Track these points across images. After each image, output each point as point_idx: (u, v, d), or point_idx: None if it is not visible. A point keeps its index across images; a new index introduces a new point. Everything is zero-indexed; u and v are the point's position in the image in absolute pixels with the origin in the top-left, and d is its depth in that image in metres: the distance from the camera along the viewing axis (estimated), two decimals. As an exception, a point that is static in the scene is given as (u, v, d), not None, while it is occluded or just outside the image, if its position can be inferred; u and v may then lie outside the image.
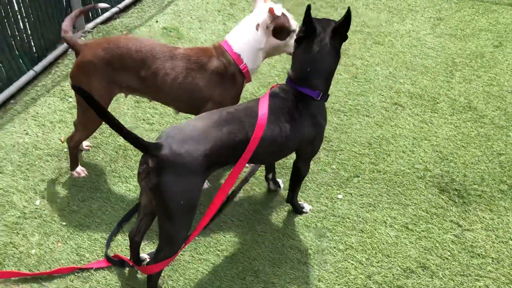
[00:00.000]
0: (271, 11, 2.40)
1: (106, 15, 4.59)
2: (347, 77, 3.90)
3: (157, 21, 4.66)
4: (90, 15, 4.45)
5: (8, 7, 3.40)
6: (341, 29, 2.14)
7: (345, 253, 2.48)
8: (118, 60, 2.46)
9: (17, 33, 3.55)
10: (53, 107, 3.41)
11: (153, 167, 1.89)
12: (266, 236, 2.56)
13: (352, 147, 3.17)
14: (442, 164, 3.06)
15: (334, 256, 2.47)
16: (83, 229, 2.55)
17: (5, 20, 3.39)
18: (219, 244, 2.51)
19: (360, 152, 3.13)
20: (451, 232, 2.61)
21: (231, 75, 2.49)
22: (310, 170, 2.92)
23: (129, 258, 2.31)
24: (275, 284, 2.32)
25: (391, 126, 3.37)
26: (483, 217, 2.70)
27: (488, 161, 3.09)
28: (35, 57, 3.77)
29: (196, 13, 4.84)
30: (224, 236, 2.55)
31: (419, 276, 2.37)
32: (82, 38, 4.26)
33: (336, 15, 4.78)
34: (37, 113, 3.36)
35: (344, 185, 2.88)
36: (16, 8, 3.50)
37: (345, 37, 2.19)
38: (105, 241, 2.46)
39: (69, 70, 3.59)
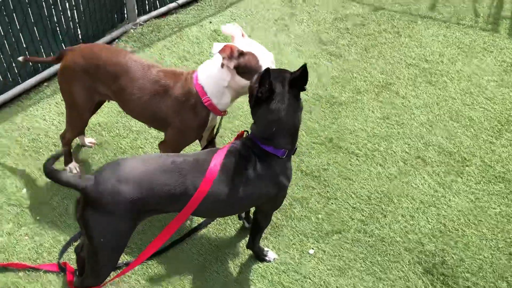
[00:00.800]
0: (224, 50, 2.21)
1: (163, 9, 4.69)
2: (379, 116, 3.62)
3: (210, 22, 4.67)
4: (147, 7, 4.56)
5: (57, -5, 3.59)
6: (297, 82, 2.01)
7: (289, 316, 2.34)
8: (94, 70, 2.53)
9: (63, 20, 3.74)
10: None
11: (79, 199, 1.90)
12: (217, 277, 2.49)
13: (348, 197, 2.96)
14: (441, 239, 2.74)
15: (276, 317, 2.34)
16: (52, 228, 2.66)
17: (53, 7, 3.59)
18: (167, 273, 2.49)
19: (355, 205, 2.91)
20: (416, 323, 2.35)
21: (191, 105, 2.41)
22: (293, 214, 2.80)
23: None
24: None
25: (402, 182, 3.08)
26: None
27: (496, 248, 2.71)
28: (79, 44, 3.96)
29: (252, 19, 4.77)
30: (174, 266, 2.52)
31: None
32: (132, 30, 4.39)
33: (398, 43, 4.46)
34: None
35: (321, 240, 2.70)
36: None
37: (303, 88, 2.05)
38: (63, 246, 2.55)
39: None
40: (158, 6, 4.67)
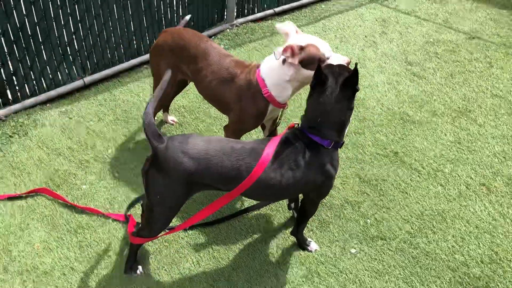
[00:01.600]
0: (286, 50, 2.40)
1: (259, 14, 5.01)
2: (450, 140, 3.60)
3: (302, 31, 4.89)
4: (246, 11, 4.92)
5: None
6: (351, 80, 2.13)
7: (318, 303, 2.46)
8: (180, 50, 2.87)
9: (169, 12, 4.19)
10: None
11: (149, 156, 2.20)
12: (259, 255, 2.67)
13: (401, 209, 3.00)
14: (489, 266, 2.69)
15: (306, 301, 2.47)
16: (126, 186, 3.02)
17: (161, 0, 4.06)
18: (215, 243, 2.72)
19: (406, 218, 2.95)
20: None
21: (252, 94, 2.63)
22: (343, 214, 2.92)
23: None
24: (234, 298, 2.46)
25: (460, 205, 3.06)
26: None
27: (548, 286, 2.61)
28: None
29: (343, 32, 4.94)
30: (222, 238, 2.75)
31: None
32: (228, 30, 4.76)
33: (487, 73, 4.38)
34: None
35: (365, 243, 2.78)
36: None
37: (356, 89, 2.17)
38: (131, 201, 2.89)
39: None
40: (256, 11, 5.00)
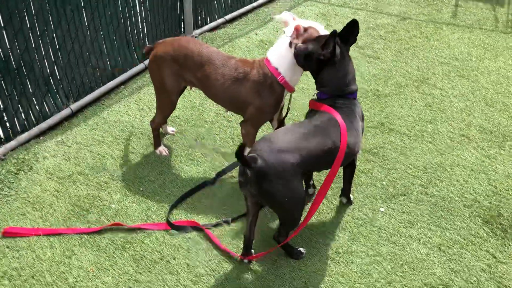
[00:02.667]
0: (297, 29, 2.68)
1: (213, 24, 5.20)
2: (422, 105, 4.04)
3: (256, 34, 5.17)
4: (200, 22, 5.08)
5: (132, 10, 4.10)
6: (346, 36, 2.53)
7: (373, 258, 2.70)
8: (183, 59, 2.98)
9: (135, 31, 4.24)
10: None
11: (252, 177, 2.31)
12: (303, 231, 2.85)
13: (407, 168, 3.34)
14: (494, 198, 3.11)
15: (362, 259, 2.69)
16: (154, 196, 3.06)
17: (128, 21, 4.10)
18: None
19: (414, 174, 3.29)
20: (483, 261, 2.69)
21: (269, 84, 2.84)
22: (360, 182, 3.20)
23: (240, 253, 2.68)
24: (301, 269, 2.61)
25: (452, 155, 3.47)
26: (522, 254, 2.73)
27: (544, 203, 3.08)
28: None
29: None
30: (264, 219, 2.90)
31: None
32: (189, 41, 4.89)
33: (428, 46, 4.93)
34: (140, 98, 4.00)
35: (389, 201, 3.08)
36: (138, 11, 4.19)
37: (354, 40, 2.59)
38: (168, 208, 2.94)
39: None
40: (209, 21, 5.18)
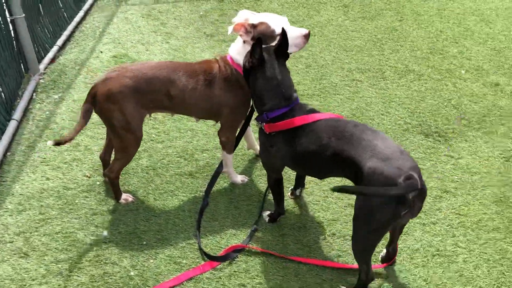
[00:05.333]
0: (236, 29, 2.61)
1: (50, 55, 4.51)
2: (303, 67, 4.45)
3: (101, 52, 4.71)
4: (40, 56, 4.35)
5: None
6: (281, 48, 2.49)
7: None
8: (145, 85, 2.66)
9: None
10: (56, 150, 3.36)
11: (418, 198, 2.06)
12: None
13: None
14: (415, 116, 3.77)
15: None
16: (164, 242, 2.71)
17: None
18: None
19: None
20: (449, 162, 3.31)
21: (235, 81, 2.77)
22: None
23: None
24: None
25: (360, 97, 4.00)
26: (463, 147, 3.46)
27: (444, 106, 3.89)
28: (8, 107, 3.65)
29: (133, 37, 4.98)
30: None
31: (445, 197, 3.01)
32: (41, 80, 4.18)
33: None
34: (44, 158, 3.31)
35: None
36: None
37: (287, 55, 2.54)
38: (194, 245, 2.67)
39: (47, 113, 3.64)
40: (43, 55, 4.47)
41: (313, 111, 2.47)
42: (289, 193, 3.02)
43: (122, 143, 2.78)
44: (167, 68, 2.73)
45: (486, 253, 2.67)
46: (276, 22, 2.70)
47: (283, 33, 2.47)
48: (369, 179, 2.05)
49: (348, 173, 2.28)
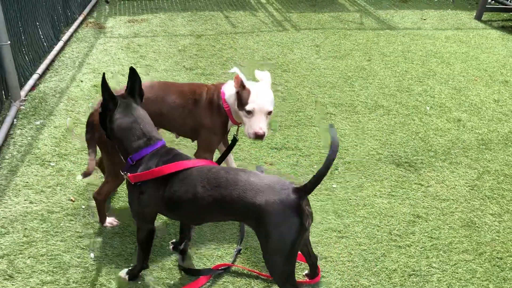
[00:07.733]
0: (235, 78, 2.74)
1: (30, 82, 4.55)
2: (279, 100, 4.66)
3: (81, 81, 4.78)
4: (21, 83, 4.38)
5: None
6: (134, 91, 2.41)
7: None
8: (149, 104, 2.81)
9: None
10: (39, 174, 3.39)
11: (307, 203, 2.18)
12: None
13: (320, 150, 3.92)
14: (386, 147, 4.01)
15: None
16: (151, 264, 2.74)
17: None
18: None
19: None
20: (419, 190, 3.53)
21: (217, 106, 2.91)
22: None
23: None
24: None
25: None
26: (432, 176, 3.69)
27: (412, 138, 4.16)
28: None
29: (113, 68, 5.09)
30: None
31: (417, 222, 3.20)
32: (22, 107, 4.20)
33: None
34: (26, 182, 3.32)
35: (333, 178, 3.60)
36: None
37: (139, 88, 2.43)
38: (180, 270, 2.72)
39: (29, 138, 3.67)
40: (23, 82, 4.51)
41: (180, 156, 2.34)
42: (171, 247, 2.87)
43: (113, 166, 2.84)
44: (160, 88, 2.87)
45: (457, 273, 2.85)
46: (256, 99, 2.74)
47: (132, 70, 2.38)
48: (268, 212, 2.07)
49: (238, 215, 2.21)
